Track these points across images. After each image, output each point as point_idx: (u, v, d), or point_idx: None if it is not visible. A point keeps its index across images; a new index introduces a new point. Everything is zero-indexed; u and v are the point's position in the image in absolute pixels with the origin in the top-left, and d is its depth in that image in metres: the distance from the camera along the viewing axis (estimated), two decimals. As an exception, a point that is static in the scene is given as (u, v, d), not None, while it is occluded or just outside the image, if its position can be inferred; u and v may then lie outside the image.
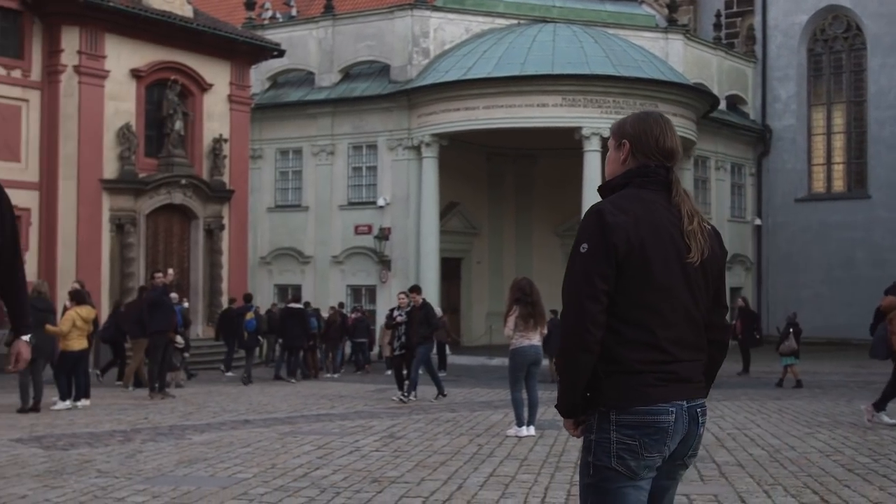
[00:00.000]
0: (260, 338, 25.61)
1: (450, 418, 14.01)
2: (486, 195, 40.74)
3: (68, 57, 27.16)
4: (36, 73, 27.12)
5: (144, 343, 18.30)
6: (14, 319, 5.26)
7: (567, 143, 34.04)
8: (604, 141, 29.61)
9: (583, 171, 33.04)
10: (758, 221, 43.85)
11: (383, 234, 36.53)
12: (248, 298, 25.55)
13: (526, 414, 12.35)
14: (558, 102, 33.72)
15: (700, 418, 3.52)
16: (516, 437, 11.97)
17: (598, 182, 8.27)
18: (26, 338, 5.20)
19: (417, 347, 17.21)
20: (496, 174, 40.84)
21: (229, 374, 24.78)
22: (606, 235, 3.39)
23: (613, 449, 3.39)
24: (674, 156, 3.65)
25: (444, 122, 35.21)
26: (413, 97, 35.91)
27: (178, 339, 18.00)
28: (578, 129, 33.33)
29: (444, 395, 17.78)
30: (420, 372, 17.51)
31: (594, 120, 32.96)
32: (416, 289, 18.82)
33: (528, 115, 34.16)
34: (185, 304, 23.85)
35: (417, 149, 36.01)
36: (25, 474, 8.79)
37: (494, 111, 34.45)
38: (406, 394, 17.11)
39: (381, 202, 36.98)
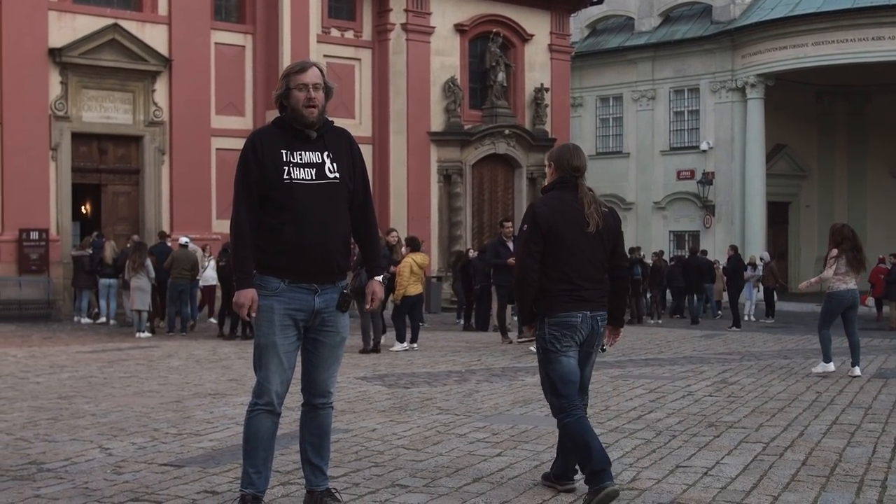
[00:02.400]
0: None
1: (783, 365, 13.59)
2: (814, 136, 38.92)
3: (396, 16, 28.24)
4: (367, 33, 28.41)
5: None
6: (368, 261, 5.56)
7: (905, 77, 31.91)
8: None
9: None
10: None
11: (707, 179, 35.78)
12: None
13: (849, 357, 12.51)
14: (896, 35, 31.57)
15: (600, 322, 5.89)
16: (823, 373, 12.24)
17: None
18: (379, 278, 5.48)
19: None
20: (826, 114, 38.90)
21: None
22: (536, 220, 5.80)
23: (547, 337, 5.81)
24: (580, 170, 5.95)
25: (770, 61, 33.90)
26: (737, 37, 34.77)
27: None
28: (918, 61, 31.10)
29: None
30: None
31: (936, 51, 30.67)
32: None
33: (861, 50, 32.27)
34: None
35: (742, 90, 34.89)
36: (373, 409, 9.29)
37: (824, 47, 32.79)
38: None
39: (703, 146, 36.20)
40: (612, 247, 5.94)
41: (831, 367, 12.36)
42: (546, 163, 6.25)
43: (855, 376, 12.09)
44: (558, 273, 5.78)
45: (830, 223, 38.72)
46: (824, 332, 12.52)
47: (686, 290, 26.86)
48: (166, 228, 24.33)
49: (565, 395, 5.77)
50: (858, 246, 12.26)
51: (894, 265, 25.06)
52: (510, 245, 16.70)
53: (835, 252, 12.22)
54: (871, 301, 27.95)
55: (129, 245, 21.44)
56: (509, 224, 17.90)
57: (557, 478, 6.03)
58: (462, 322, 22.52)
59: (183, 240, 20.51)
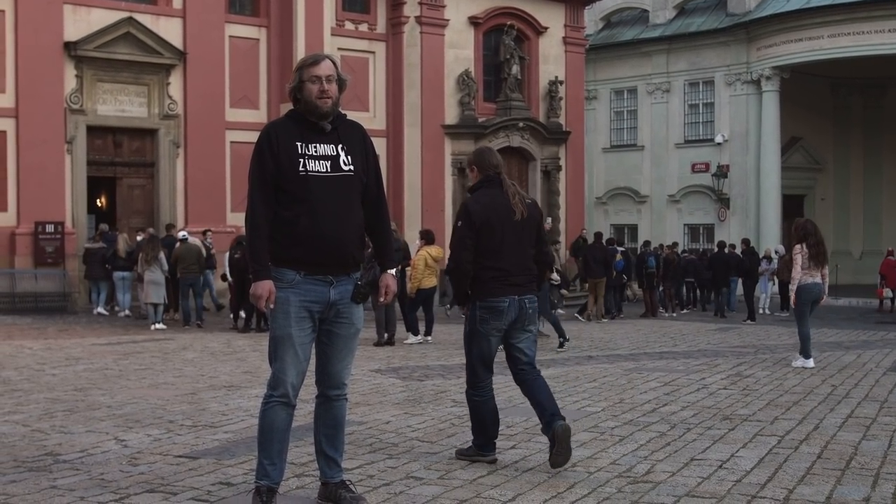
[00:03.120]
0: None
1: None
2: (830, 129, 38.75)
3: (410, 8, 28.23)
4: (381, 26, 28.40)
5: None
6: (380, 255, 5.55)
7: (922, 69, 31.73)
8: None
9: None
10: None
11: (721, 172, 35.68)
12: (611, 242, 25.61)
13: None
14: (912, 26, 31.39)
15: (528, 304, 6.52)
16: (802, 367, 12.44)
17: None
18: (392, 271, 5.48)
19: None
20: (842, 106, 38.71)
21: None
22: (470, 217, 6.46)
23: (478, 319, 6.48)
24: (499, 166, 6.67)
25: (785, 53, 33.77)
26: (752, 29, 34.63)
27: (554, 276, 18.15)
28: (935, 53, 30.90)
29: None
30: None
31: (953, 43, 30.48)
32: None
33: (877, 42, 32.11)
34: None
35: (757, 83, 34.77)
36: (387, 402, 9.31)
37: (840, 39, 32.62)
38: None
39: (718, 139, 36.09)
40: (536, 235, 6.67)
41: (811, 362, 12.60)
42: (468, 167, 6.89)
43: (808, 367, 12.45)
44: (490, 262, 6.45)
45: (846, 216, 38.66)
46: (804, 330, 12.79)
47: (713, 284, 26.79)
48: (181, 221, 24.40)
49: (480, 376, 6.59)
50: (821, 240, 12.77)
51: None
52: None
53: (798, 248, 12.63)
54: (888, 292, 28.00)
55: (139, 237, 21.53)
56: None
57: (479, 448, 6.62)
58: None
59: (181, 234, 20.58)
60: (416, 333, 16.47)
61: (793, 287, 12.89)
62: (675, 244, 30.47)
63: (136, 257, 20.15)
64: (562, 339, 15.47)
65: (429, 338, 16.48)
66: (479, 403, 6.61)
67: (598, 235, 24.62)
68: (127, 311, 21.53)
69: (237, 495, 5.63)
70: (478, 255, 6.45)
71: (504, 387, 10.43)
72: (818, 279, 12.73)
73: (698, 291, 28.46)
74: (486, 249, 6.43)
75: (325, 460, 5.39)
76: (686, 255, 29.56)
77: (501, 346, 6.62)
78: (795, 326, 13.10)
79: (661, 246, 28.86)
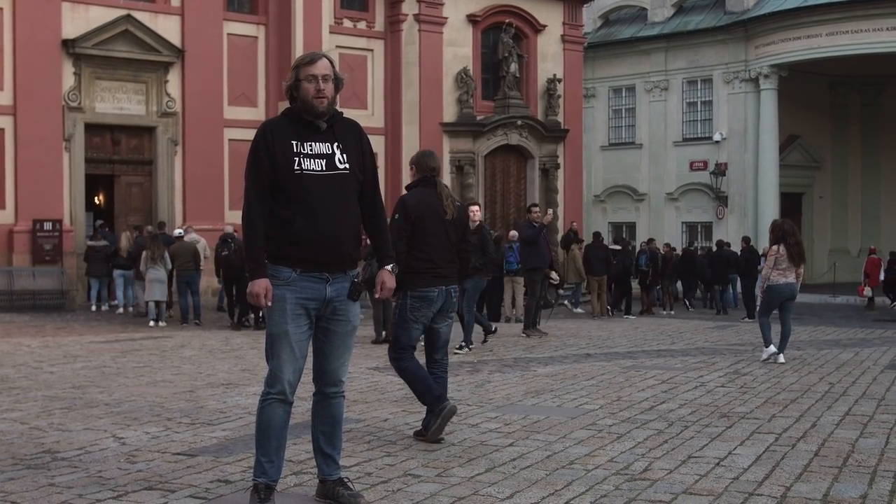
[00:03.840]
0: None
1: (796, 356, 13.56)
2: (828, 127, 38.76)
3: (408, 6, 28.24)
4: (379, 24, 28.40)
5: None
6: (378, 250, 5.57)
7: (920, 67, 31.73)
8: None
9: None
10: None
11: (720, 170, 35.69)
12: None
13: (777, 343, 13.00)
14: (909, 25, 31.40)
15: (452, 294, 7.35)
16: (768, 358, 12.75)
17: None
18: (389, 267, 5.48)
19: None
20: (840, 104, 38.73)
21: (578, 309, 25.30)
22: (406, 211, 7.19)
23: (408, 308, 7.22)
24: (436, 170, 7.51)
25: (783, 51, 33.78)
26: (750, 27, 34.64)
27: (554, 275, 18.10)
28: (933, 51, 30.91)
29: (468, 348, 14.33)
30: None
31: (951, 41, 30.49)
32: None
33: (875, 41, 32.12)
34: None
35: (755, 81, 34.78)
36: (385, 400, 9.31)
37: (838, 38, 32.62)
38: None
39: (716, 137, 36.10)
40: (461, 234, 7.50)
41: (772, 349, 12.90)
42: (410, 166, 7.71)
43: (780, 363, 12.62)
44: (422, 254, 7.19)
45: (844, 214, 38.64)
46: (763, 319, 13.23)
47: (713, 281, 26.82)
48: (179, 219, 24.40)
49: (404, 356, 7.31)
50: (799, 240, 13.05)
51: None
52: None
53: (775, 248, 12.90)
54: (868, 291, 28.20)
55: (136, 235, 21.54)
56: (537, 209, 17.87)
57: (432, 408, 7.20)
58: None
59: (177, 231, 20.57)
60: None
61: (762, 286, 13.27)
62: (667, 244, 30.31)
63: (135, 255, 20.15)
64: (462, 343, 14.17)
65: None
66: (408, 368, 7.31)
67: (597, 235, 24.79)
68: (130, 308, 21.54)
69: (235, 493, 5.63)
70: (411, 247, 7.16)
71: (502, 384, 10.46)
72: (791, 279, 12.93)
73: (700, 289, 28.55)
74: (418, 242, 7.18)
75: (323, 458, 5.40)
76: (694, 251, 29.62)
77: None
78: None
79: (650, 242, 28.67)
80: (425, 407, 7.28)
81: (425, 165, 7.46)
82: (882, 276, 28.93)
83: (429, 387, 7.24)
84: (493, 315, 21.24)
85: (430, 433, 7.06)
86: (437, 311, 7.31)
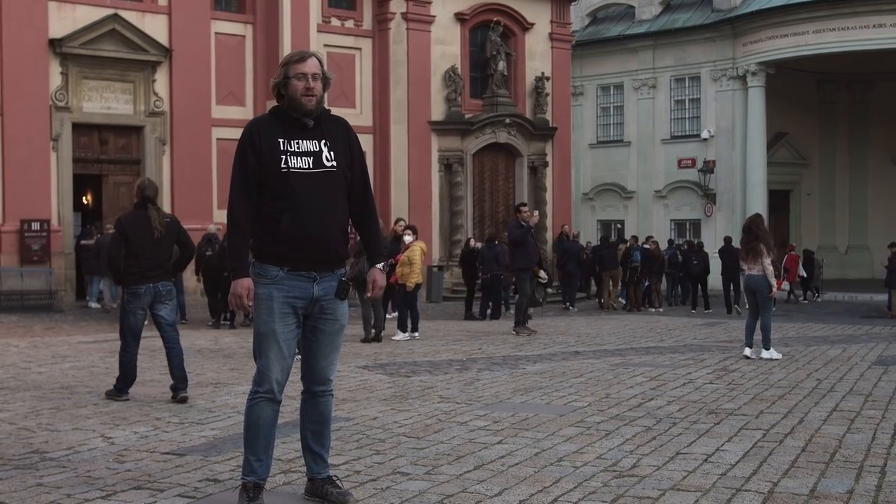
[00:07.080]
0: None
1: (784, 352, 13.59)
2: (816, 124, 38.88)
3: (396, 5, 28.22)
4: (367, 23, 28.39)
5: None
6: (369, 249, 5.56)
7: (906, 65, 31.82)
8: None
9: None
10: None
11: (708, 168, 35.76)
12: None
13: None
14: (896, 22, 31.49)
15: (161, 288, 9.38)
16: (748, 356, 12.92)
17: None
18: (380, 266, 5.48)
19: None
20: (827, 102, 38.85)
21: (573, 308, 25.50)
22: (120, 228, 9.36)
23: (126, 300, 9.51)
24: (150, 199, 9.40)
25: (770, 49, 33.86)
26: (738, 25, 34.71)
27: (542, 273, 18.14)
28: (920, 49, 31.01)
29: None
30: None
31: (937, 38, 30.59)
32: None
33: (862, 38, 32.20)
34: None
35: (743, 78, 34.86)
36: (374, 398, 9.32)
37: (825, 35, 32.71)
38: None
39: (704, 135, 36.18)
40: (172, 244, 9.58)
41: (747, 350, 13.11)
42: (135, 189, 9.66)
43: (762, 358, 12.78)
44: (134, 261, 9.22)
45: (832, 211, 38.76)
46: (748, 320, 13.47)
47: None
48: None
49: (129, 341, 9.53)
50: (756, 236, 13.31)
51: (894, 254, 25.23)
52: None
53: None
54: (786, 285, 28.46)
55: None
56: (525, 208, 17.91)
57: (120, 391, 9.29)
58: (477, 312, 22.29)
59: None
60: (404, 330, 16.46)
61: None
62: (650, 236, 29.98)
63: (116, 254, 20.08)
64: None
65: (416, 334, 16.49)
66: (126, 360, 9.41)
67: (605, 238, 26.48)
68: (112, 305, 21.53)
69: (224, 492, 5.63)
70: (127, 255, 9.24)
71: (490, 382, 10.47)
72: (755, 272, 13.20)
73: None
74: (129, 252, 9.22)
75: (312, 456, 5.40)
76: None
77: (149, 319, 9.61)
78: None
79: (635, 238, 28.66)
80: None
81: (142, 193, 9.40)
82: (802, 273, 30.52)
83: (127, 375, 9.40)
84: (495, 312, 21.40)
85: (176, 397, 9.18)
86: (152, 302, 9.34)
